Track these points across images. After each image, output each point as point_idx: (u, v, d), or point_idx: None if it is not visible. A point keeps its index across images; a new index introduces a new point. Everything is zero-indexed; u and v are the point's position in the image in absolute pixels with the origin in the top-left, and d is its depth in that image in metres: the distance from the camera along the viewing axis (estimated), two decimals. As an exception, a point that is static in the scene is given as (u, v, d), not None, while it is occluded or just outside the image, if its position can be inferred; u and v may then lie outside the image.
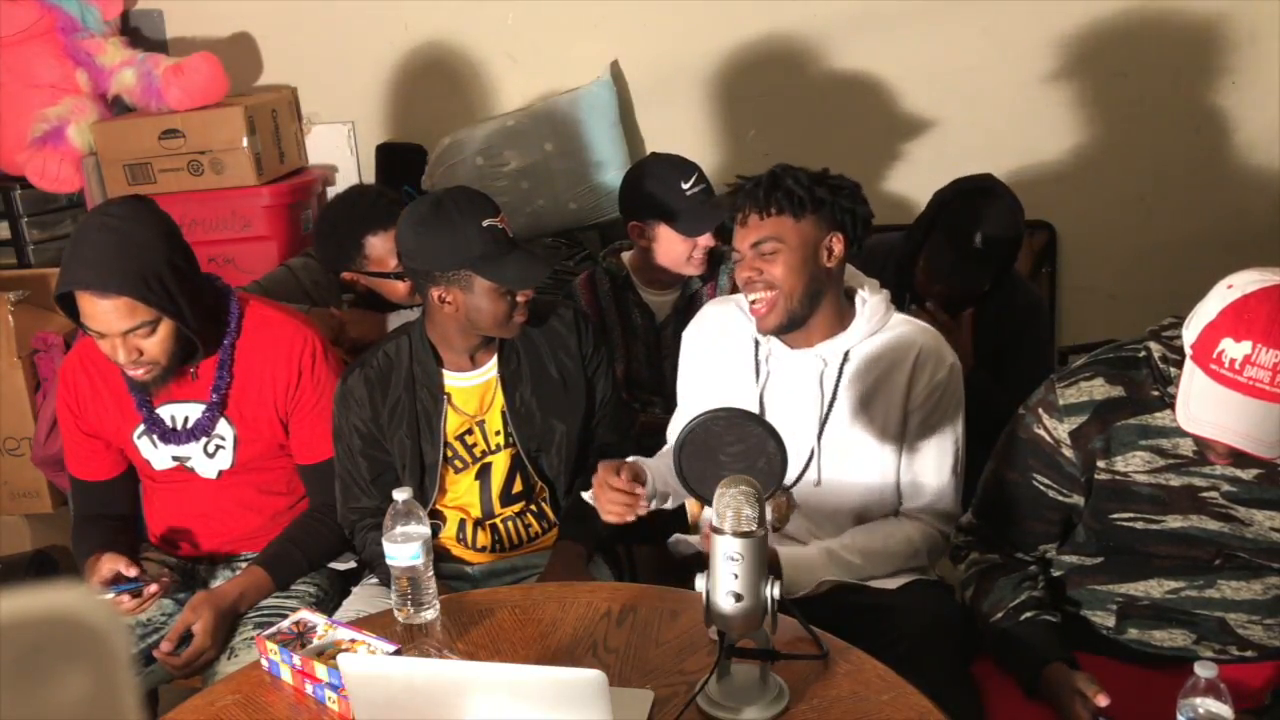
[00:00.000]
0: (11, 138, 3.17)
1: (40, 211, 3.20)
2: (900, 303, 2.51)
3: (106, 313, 1.84)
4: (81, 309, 1.86)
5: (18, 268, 3.19)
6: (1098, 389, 1.62)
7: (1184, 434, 1.52)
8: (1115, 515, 1.63)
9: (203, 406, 2.03)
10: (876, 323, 1.87)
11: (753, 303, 1.85)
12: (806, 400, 1.89)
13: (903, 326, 1.89)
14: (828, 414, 1.88)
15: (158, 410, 2.04)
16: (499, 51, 3.45)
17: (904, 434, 1.88)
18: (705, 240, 2.44)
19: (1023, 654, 1.62)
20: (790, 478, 1.91)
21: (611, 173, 3.29)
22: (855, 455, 1.88)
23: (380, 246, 2.44)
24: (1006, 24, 3.22)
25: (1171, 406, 1.52)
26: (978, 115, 3.20)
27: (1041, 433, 1.67)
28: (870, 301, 1.88)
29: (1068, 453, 1.64)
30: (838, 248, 1.79)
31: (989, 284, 2.36)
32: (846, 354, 1.87)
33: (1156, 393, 1.58)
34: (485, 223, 1.90)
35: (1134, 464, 1.59)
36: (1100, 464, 1.61)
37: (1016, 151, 3.31)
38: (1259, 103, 3.19)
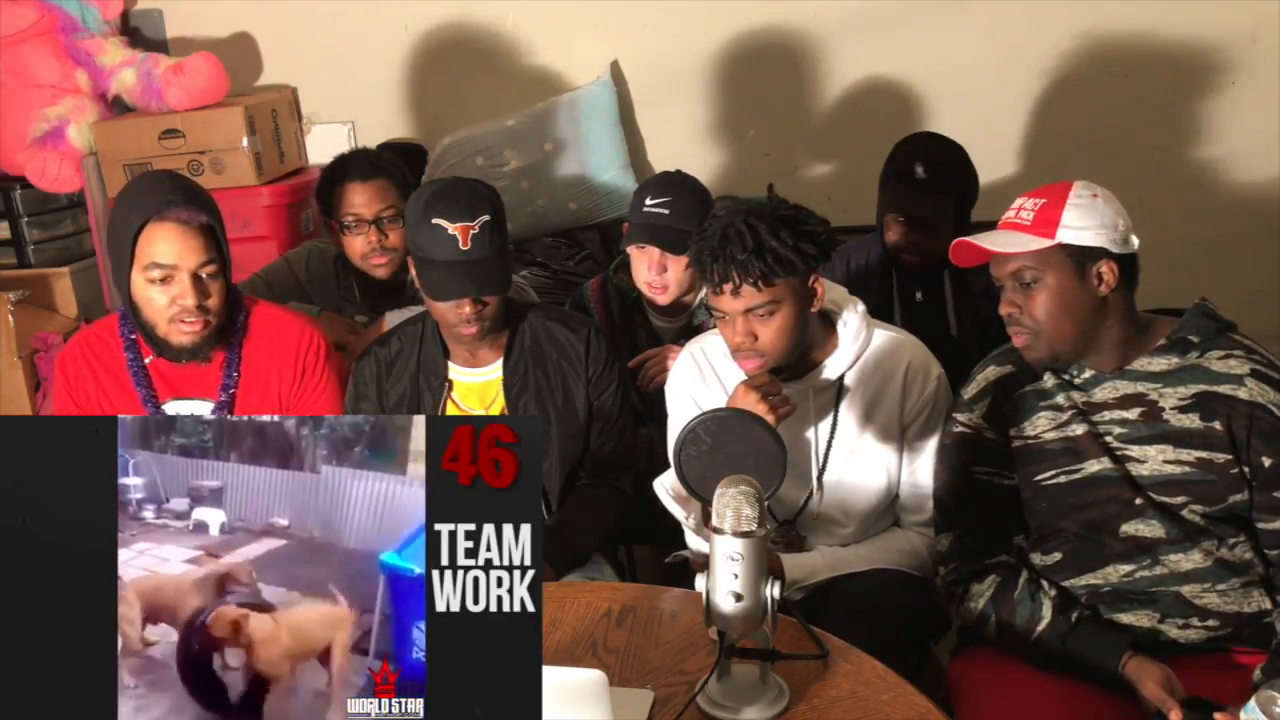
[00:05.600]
0: (11, 138, 3.17)
1: (40, 211, 3.20)
2: (887, 277, 2.54)
3: (188, 237, 1.88)
4: (156, 243, 1.87)
5: (18, 268, 3.19)
6: (991, 373, 1.79)
7: (1071, 387, 1.69)
8: (1039, 477, 1.73)
9: (211, 405, 2.04)
10: (862, 343, 1.84)
11: (742, 360, 1.80)
12: (806, 433, 1.88)
13: (886, 340, 1.87)
14: (830, 442, 1.88)
15: (164, 406, 2.04)
16: (499, 51, 3.45)
17: (902, 449, 1.88)
18: (654, 263, 2.29)
19: (1100, 652, 1.64)
20: (794, 510, 1.91)
21: (611, 173, 3.29)
22: (860, 478, 1.88)
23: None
24: (1007, 25, 3.22)
25: (1052, 370, 1.72)
26: (978, 115, 3.19)
27: (962, 429, 1.79)
28: (851, 323, 1.85)
29: (990, 435, 1.77)
30: (820, 289, 1.78)
31: (951, 215, 2.42)
32: (841, 381, 1.86)
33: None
34: (435, 221, 1.84)
35: (1040, 425, 1.73)
36: (1012, 432, 1.75)
37: (1016, 152, 3.31)
38: (1259, 103, 3.19)
